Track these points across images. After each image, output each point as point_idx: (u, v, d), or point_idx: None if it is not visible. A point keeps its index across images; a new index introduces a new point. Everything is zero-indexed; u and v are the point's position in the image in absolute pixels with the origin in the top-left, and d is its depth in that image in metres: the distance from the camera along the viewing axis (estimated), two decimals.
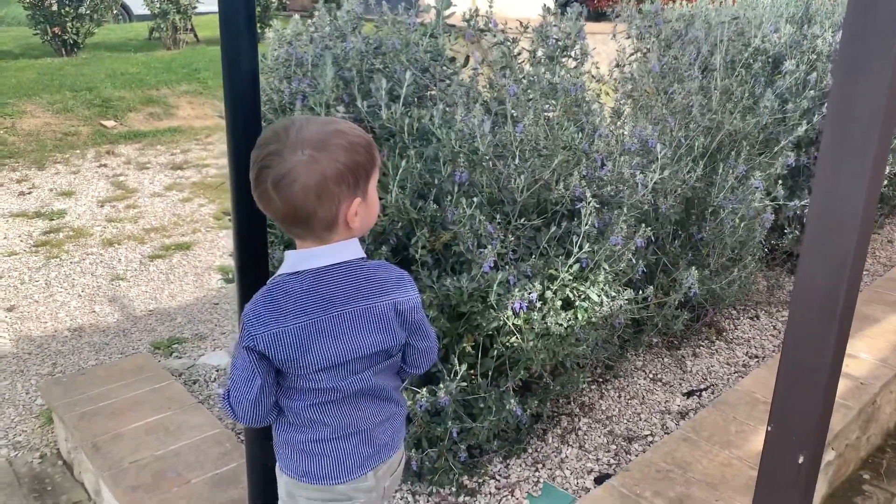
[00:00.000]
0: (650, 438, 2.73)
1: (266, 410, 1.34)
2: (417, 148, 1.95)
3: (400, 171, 1.91)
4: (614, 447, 2.67)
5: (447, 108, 1.98)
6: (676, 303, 2.97)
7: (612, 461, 2.60)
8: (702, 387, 3.10)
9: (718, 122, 3.15)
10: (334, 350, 1.30)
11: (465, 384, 2.27)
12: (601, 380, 3.06)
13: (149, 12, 11.44)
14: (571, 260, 2.17)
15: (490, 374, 2.39)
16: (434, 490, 2.38)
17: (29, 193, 5.84)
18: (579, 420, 2.81)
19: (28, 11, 9.99)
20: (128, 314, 3.98)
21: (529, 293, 2.06)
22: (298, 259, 1.30)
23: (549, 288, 2.17)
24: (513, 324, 2.15)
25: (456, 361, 2.18)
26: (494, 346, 2.33)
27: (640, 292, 2.81)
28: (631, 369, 3.17)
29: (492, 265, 2.01)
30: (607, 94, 2.87)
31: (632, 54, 3.11)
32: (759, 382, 2.88)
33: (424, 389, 2.23)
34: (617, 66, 2.98)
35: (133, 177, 6.36)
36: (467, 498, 2.38)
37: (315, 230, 1.27)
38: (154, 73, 9.09)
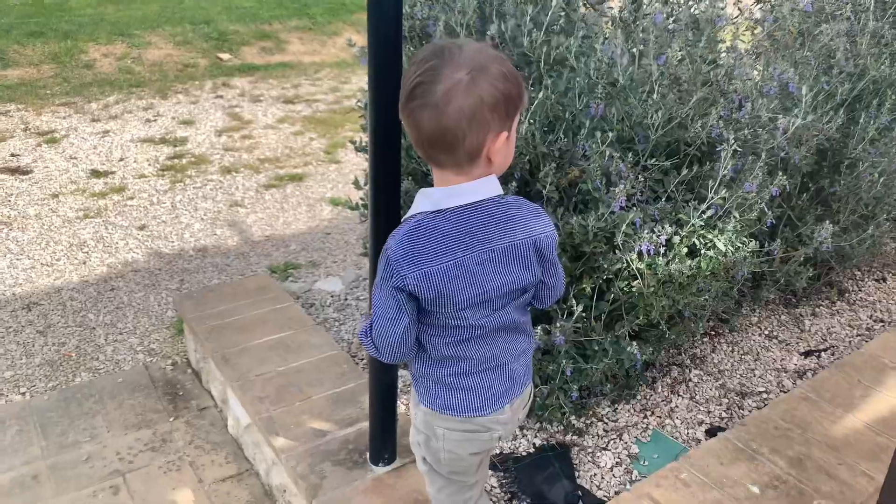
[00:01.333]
0: (765, 395, 2.66)
1: (409, 347, 1.37)
2: (554, 78, 1.91)
3: (535, 102, 1.89)
4: (726, 401, 2.62)
5: (586, 38, 1.92)
6: (801, 259, 2.84)
7: (724, 415, 2.55)
8: (821, 347, 2.98)
9: (863, 68, 2.92)
10: (480, 288, 1.31)
11: (579, 326, 2.26)
12: (714, 332, 2.98)
13: None
14: (704, 205, 2.10)
15: (604, 317, 2.37)
16: (543, 426, 2.41)
17: (154, 121, 6.15)
18: (690, 371, 2.76)
19: None
20: (246, 238, 4.17)
21: (658, 236, 2.01)
22: (442, 197, 1.27)
23: (677, 233, 2.11)
24: (636, 268, 2.12)
25: (574, 301, 2.17)
26: (611, 289, 2.30)
27: (765, 245, 2.70)
28: (746, 324, 3.07)
29: (622, 205, 1.97)
30: (745, 31, 2.71)
31: None
32: (889, 347, 2.73)
33: (539, 328, 2.24)
34: (758, 1, 2.80)
35: (247, 108, 6.57)
36: (575, 437, 2.40)
37: (458, 158, 1.24)
38: (267, 7, 9.26)
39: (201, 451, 2.61)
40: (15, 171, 5.03)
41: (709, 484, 2.07)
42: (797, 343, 3.00)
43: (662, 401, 2.60)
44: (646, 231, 2.02)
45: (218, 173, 5.09)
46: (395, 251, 1.27)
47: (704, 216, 2.12)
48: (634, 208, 2.08)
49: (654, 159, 2.15)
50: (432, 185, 1.32)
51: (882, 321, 3.18)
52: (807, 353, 2.94)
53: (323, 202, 4.69)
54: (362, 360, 2.80)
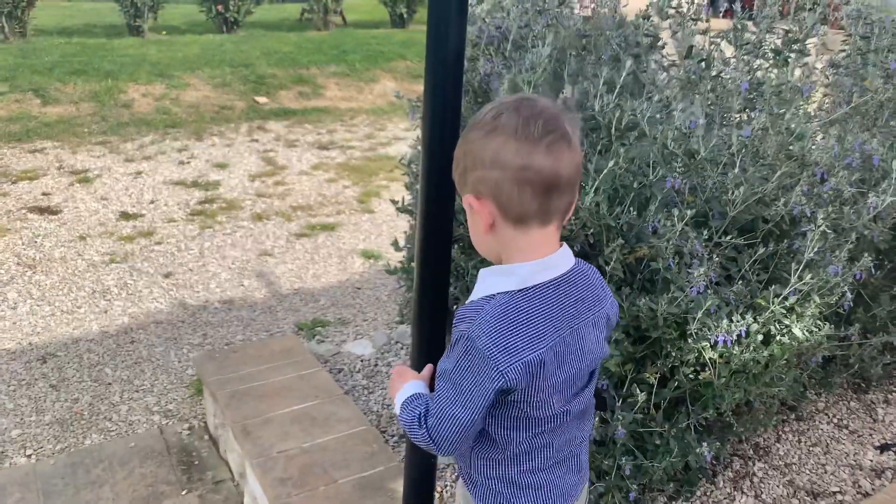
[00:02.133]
0: (840, 497, 2.38)
1: (471, 440, 1.19)
2: (627, 146, 1.72)
3: (604, 171, 1.69)
4: (796, 502, 2.34)
5: (662, 102, 1.73)
6: (877, 343, 2.58)
7: None
8: None
9: None
10: (571, 370, 1.14)
11: (638, 416, 2.03)
12: (777, 421, 2.71)
13: None
14: (787, 290, 1.87)
15: (663, 405, 2.14)
16: None
17: (188, 163, 6.09)
18: (754, 464, 2.49)
19: None
20: (274, 291, 4.01)
21: (738, 325, 1.79)
22: (532, 271, 1.10)
23: (755, 320, 1.88)
24: (709, 357, 1.89)
25: (637, 390, 1.94)
26: (675, 376, 2.07)
27: (842, 328, 2.46)
28: (812, 411, 2.79)
29: (700, 290, 1.75)
30: (823, 97, 2.51)
31: (848, 54, 2.71)
32: None
33: (597, 418, 2.01)
34: (832, 66, 2.60)
35: (282, 153, 6.50)
36: None
37: (560, 210, 1.10)
38: (305, 52, 9.32)
39: None
40: (45, 210, 4.96)
41: None
42: (870, 434, 2.71)
43: (725, 498, 2.33)
44: (724, 320, 1.79)
45: (249, 220, 4.96)
46: (486, 341, 1.06)
47: (787, 302, 1.89)
48: (709, 292, 1.86)
49: (728, 236, 1.93)
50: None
51: None
52: (882, 448, 2.65)
53: (354, 254, 4.53)
54: (392, 436, 2.58)
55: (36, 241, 4.47)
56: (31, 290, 3.89)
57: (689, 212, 1.72)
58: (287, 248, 4.56)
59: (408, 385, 1.28)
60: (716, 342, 1.82)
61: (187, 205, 5.19)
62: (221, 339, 3.52)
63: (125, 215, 4.94)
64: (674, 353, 1.92)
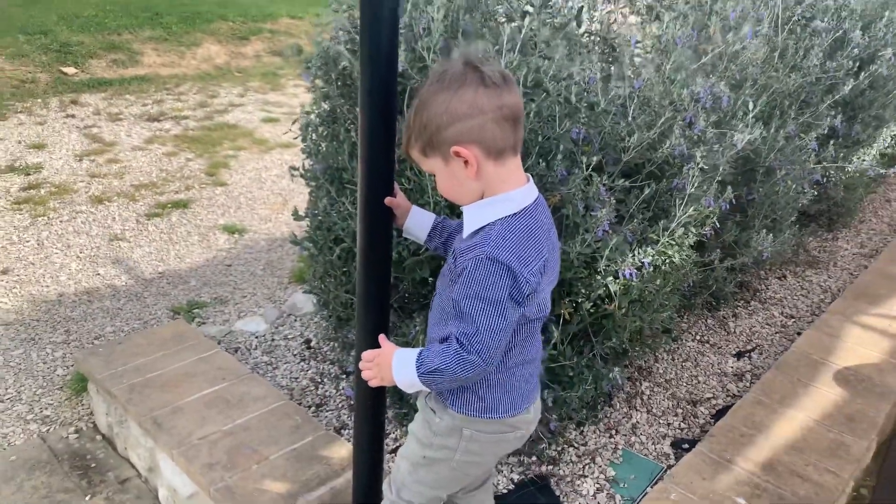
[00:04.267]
0: (714, 401, 2.73)
1: None
2: (537, 102, 1.82)
3: None
4: (681, 411, 2.66)
5: (560, 60, 1.84)
6: (727, 265, 2.96)
7: (682, 425, 2.59)
8: (748, 348, 3.12)
9: (767, 81, 3.10)
10: (553, 277, 1.40)
11: (553, 352, 2.19)
12: (659, 343, 3.03)
13: None
14: (674, 223, 2.10)
15: (570, 341, 2.32)
16: (520, 460, 2.32)
17: None
18: (641, 384, 2.78)
19: None
20: (136, 277, 3.74)
21: (639, 257, 1.98)
22: (523, 196, 1.32)
23: (648, 253, 2.09)
24: (613, 290, 2.08)
25: (552, 327, 2.10)
26: (579, 313, 2.25)
27: (704, 255, 2.79)
28: (679, 331, 3.15)
29: (606, 229, 1.91)
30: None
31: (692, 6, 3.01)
32: (813, 344, 2.90)
33: None
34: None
35: (107, 129, 5.96)
36: (550, 467, 2.33)
37: (521, 139, 1.34)
38: (112, 16, 8.48)
39: None
40: None
41: (698, 502, 2.06)
42: (727, 345, 3.12)
43: (623, 417, 2.59)
44: (627, 255, 1.98)
45: (87, 203, 4.54)
46: (510, 256, 1.25)
47: (675, 234, 2.12)
48: (610, 232, 2.04)
49: (621, 180, 2.12)
50: None
51: (793, 317, 3.40)
52: (738, 355, 3.06)
53: (216, 230, 4.32)
54: (309, 407, 2.57)
55: None
56: None
57: (594, 158, 1.86)
58: (139, 231, 4.25)
59: (398, 352, 1.34)
60: (622, 275, 2.00)
61: (8, 192, 4.63)
62: (88, 333, 3.24)
63: None
64: (583, 291, 2.09)
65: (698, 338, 3.14)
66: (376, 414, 1.73)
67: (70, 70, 7.26)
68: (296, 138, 2.43)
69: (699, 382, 2.84)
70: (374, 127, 1.45)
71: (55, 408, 2.78)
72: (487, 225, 1.30)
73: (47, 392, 2.86)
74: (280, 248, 4.16)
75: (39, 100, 6.57)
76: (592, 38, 2.31)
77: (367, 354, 1.44)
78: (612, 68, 1.97)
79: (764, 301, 3.50)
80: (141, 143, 5.69)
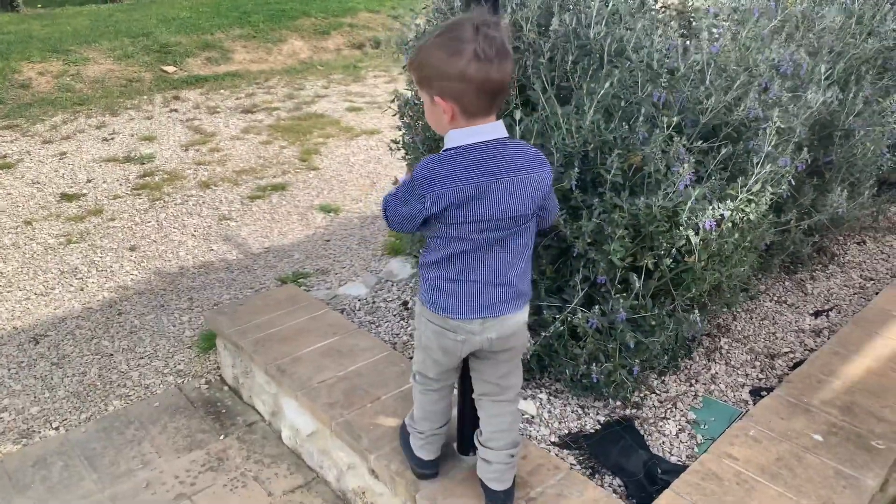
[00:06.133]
0: (791, 355, 2.85)
1: (411, 230, 1.68)
2: (621, 69, 2.01)
3: (601, 93, 1.98)
4: (759, 363, 2.79)
5: (642, 30, 2.02)
6: (804, 227, 3.05)
7: (759, 376, 2.72)
8: (826, 307, 3.20)
9: (844, 46, 3.16)
10: (493, 210, 1.60)
11: (635, 302, 2.37)
12: (736, 299, 3.16)
13: None
14: (751, 180, 2.25)
15: (651, 293, 2.49)
16: (607, 403, 2.52)
17: (112, 139, 5.94)
18: (720, 340, 2.92)
19: None
20: (245, 251, 4.11)
21: (719, 212, 2.14)
22: (462, 136, 1.56)
23: (728, 206, 2.25)
24: (694, 243, 2.24)
25: (634, 277, 2.28)
26: (659, 266, 2.42)
27: (780, 216, 2.90)
28: (756, 292, 3.26)
29: (687, 183, 2.08)
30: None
31: None
32: (891, 300, 2.97)
33: (596, 308, 2.34)
34: None
35: (207, 121, 6.43)
36: (634, 410, 2.52)
37: (500, 104, 1.60)
38: (205, 17, 9.05)
39: (261, 466, 2.59)
40: None
41: (776, 438, 2.22)
42: (804, 305, 3.21)
43: (702, 368, 2.75)
44: (707, 209, 2.14)
45: (196, 188, 4.97)
46: (426, 174, 1.56)
47: (753, 191, 2.27)
48: (692, 188, 2.20)
49: (699, 141, 2.28)
50: None
51: (871, 279, 3.44)
52: (816, 314, 3.15)
53: (313, 210, 4.67)
54: (411, 358, 2.84)
55: None
56: None
57: (674, 119, 2.04)
58: (244, 211, 4.64)
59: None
60: (702, 228, 2.17)
61: (127, 180, 5.12)
62: (207, 300, 3.62)
63: (66, 196, 4.83)
64: (665, 244, 2.26)
65: (776, 298, 3.25)
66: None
67: (170, 68, 7.82)
68: (394, 115, 2.69)
69: (777, 338, 2.96)
70: None
71: (186, 363, 3.15)
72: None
73: (178, 350, 3.24)
74: (371, 224, 4.46)
75: (145, 97, 7.13)
76: (668, 11, 2.47)
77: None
78: (688, 40, 2.13)
79: (842, 265, 3.56)
80: (238, 132, 6.12)
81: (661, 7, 2.44)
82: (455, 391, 2.07)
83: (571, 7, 2.09)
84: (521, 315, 1.79)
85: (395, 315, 3.14)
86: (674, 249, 2.28)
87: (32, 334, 3.36)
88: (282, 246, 4.18)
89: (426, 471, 2.06)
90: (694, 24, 2.26)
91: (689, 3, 2.27)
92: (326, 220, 4.51)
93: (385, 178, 5.17)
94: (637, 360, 2.42)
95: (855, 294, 3.31)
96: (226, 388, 3.00)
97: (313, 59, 8.70)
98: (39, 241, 4.22)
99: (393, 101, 2.68)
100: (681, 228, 2.19)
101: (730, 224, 2.35)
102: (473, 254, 1.66)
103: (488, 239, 1.64)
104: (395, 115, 2.70)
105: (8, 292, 3.70)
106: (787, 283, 3.37)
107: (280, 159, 5.53)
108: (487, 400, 1.92)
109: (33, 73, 7.30)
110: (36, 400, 2.93)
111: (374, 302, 3.26)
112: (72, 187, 4.98)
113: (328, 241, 4.23)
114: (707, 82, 2.12)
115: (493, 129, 1.59)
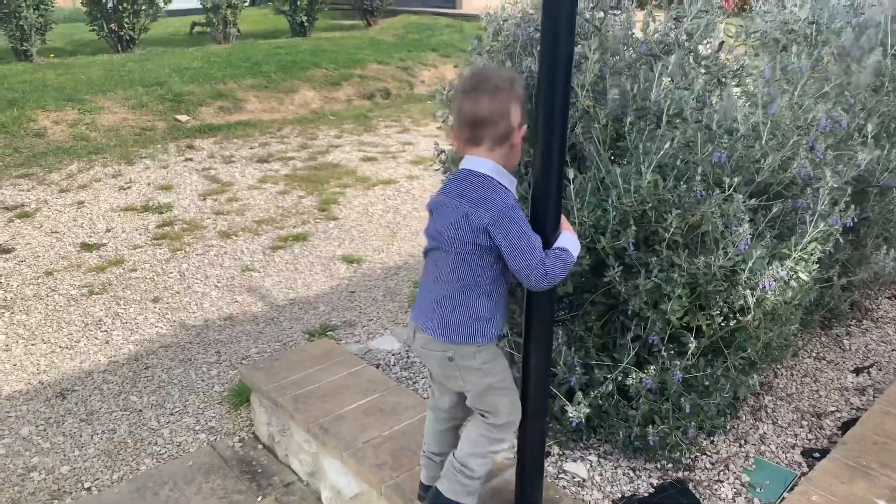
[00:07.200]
0: (838, 414, 2.80)
1: None
2: (678, 129, 2.02)
3: (660, 153, 1.99)
4: (806, 423, 2.75)
5: (698, 92, 2.04)
6: (843, 283, 3.05)
7: (809, 436, 2.67)
8: (866, 364, 3.17)
9: (876, 103, 3.20)
10: (431, 226, 1.82)
11: (689, 362, 2.34)
12: (780, 357, 3.12)
13: (177, 7, 11.60)
14: (806, 239, 2.24)
15: (703, 353, 2.46)
16: (659, 465, 2.46)
17: (129, 188, 5.94)
18: (764, 398, 2.88)
19: (86, 8, 10.08)
20: (270, 303, 4.07)
21: (779, 272, 2.13)
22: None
23: (782, 266, 2.24)
24: (750, 302, 2.22)
25: (691, 339, 2.25)
26: (711, 326, 2.40)
27: (823, 272, 2.89)
28: (795, 348, 3.23)
29: (747, 243, 2.08)
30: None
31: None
32: None
33: (652, 368, 2.31)
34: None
35: (223, 170, 6.45)
36: (686, 473, 2.46)
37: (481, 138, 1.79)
38: (216, 67, 9.17)
39: None
40: None
41: (839, 503, 2.16)
42: (844, 362, 3.18)
43: (751, 428, 2.70)
44: (767, 268, 2.13)
45: (216, 238, 4.96)
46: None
47: (807, 249, 2.26)
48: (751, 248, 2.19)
49: (753, 199, 2.28)
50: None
51: None
52: (857, 371, 3.12)
53: (336, 260, 4.64)
54: None
55: (0, 282, 4.29)
56: (18, 330, 3.77)
57: (735, 180, 2.04)
58: (267, 262, 4.61)
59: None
60: (762, 287, 2.15)
61: (146, 229, 5.10)
62: (235, 353, 3.57)
63: (86, 246, 4.80)
64: (722, 303, 2.24)
65: (814, 354, 3.22)
66: (538, 410, 1.94)
67: (183, 117, 7.89)
68: (437, 169, 2.69)
69: (821, 396, 2.92)
70: (548, 151, 1.71)
71: (218, 420, 3.09)
72: None
73: (209, 406, 3.18)
74: (395, 275, 4.44)
75: (159, 145, 7.16)
76: (711, 70, 2.50)
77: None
78: (733, 97, 2.15)
79: (876, 320, 3.54)
80: (255, 182, 6.14)
81: (702, 65, 2.47)
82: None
83: (625, 71, 2.11)
84: (440, 346, 1.84)
85: None
86: (726, 309, 2.26)
87: (59, 389, 3.29)
88: (306, 297, 4.14)
89: None
90: (738, 82, 2.29)
91: (726, 61, 2.29)
92: (350, 271, 4.49)
93: (405, 228, 5.16)
94: (692, 422, 2.38)
95: (893, 350, 3.29)
96: (260, 446, 2.93)
97: (324, 109, 8.79)
98: (61, 293, 4.17)
99: (438, 155, 2.69)
100: (739, 287, 2.17)
101: (783, 282, 2.34)
102: (428, 257, 1.87)
103: (427, 247, 1.86)
104: (437, 169, 2.71)
105: (32, 345, 3.64)
106: (823, 339, 3.35)
107: (299, 209, 5.53)
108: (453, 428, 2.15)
109: (48, 121, 7.35)
110: (66, 458, 2.85)
111: (408, 357, 3.21)
112: (91, 237, 4.96)
113: (353, 292, 4.20)
114: (763, 141, 2.14)
115: (463, 161, 1.80)
